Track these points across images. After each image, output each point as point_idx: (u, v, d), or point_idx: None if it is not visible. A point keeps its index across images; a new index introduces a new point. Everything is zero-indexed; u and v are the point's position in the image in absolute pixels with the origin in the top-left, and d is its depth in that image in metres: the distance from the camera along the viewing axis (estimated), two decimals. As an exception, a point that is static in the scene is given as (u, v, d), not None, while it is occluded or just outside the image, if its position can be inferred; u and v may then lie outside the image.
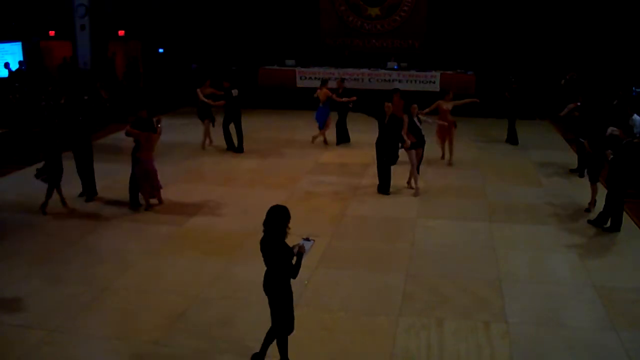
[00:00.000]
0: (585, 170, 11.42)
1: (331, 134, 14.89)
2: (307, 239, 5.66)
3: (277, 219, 5.40)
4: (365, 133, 12.62)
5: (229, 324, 6.70)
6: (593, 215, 9.79)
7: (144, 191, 10.20)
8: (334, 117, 14.78)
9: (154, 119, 10.26)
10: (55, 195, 10.03)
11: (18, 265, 8.10)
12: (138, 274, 7.96)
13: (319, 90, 14.56)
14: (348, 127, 14.95)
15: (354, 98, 14.60)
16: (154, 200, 10.33)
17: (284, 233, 5.42)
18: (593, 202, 10.34)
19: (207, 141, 14.43)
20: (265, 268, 5.58)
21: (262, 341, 5.85)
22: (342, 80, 15.46)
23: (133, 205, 10.31)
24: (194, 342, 6.35)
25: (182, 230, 9.44)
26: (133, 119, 10.31)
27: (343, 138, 14.95)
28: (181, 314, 6.88)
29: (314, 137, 14.79)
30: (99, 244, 8.89)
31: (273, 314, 5.63)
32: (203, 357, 6.12)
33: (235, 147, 14.07)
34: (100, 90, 17.21)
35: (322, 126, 14.59)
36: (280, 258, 5.42)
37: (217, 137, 14.40)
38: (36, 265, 8.13)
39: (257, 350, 5.94)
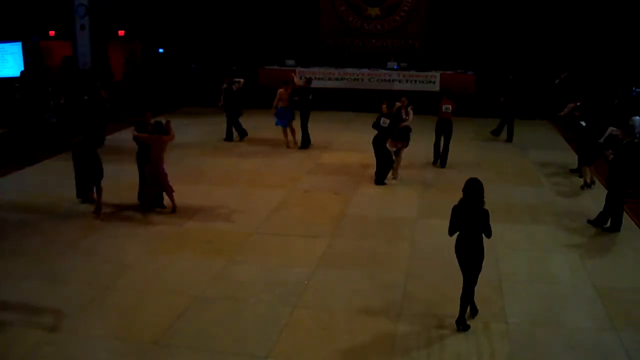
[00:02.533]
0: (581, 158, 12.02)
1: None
2: None
3: (479, 189, 6.33)
4: (363, 133, 12.63)
5: (229, 324, 6.70)
6: (592, 215, 9.78)
7: (148, 195, 10.02)
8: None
9: (164, 122, 10.09)
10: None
11: (18, 265, 8.10)
12: (138, 273, 7.96)
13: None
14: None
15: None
16: (168, 204, 10.18)
17: (483, 201, 6.35)
18: (591, 181, 11.43)
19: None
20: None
21: (460, 307, 6.54)
22: (308, 80, 14.92)
23: (142, 205, 10.24)
24: (194, 342, 6.35)
25: (182, 230, 9.44)
26: (137, 119, 10.22)
27: (305, 142, 14.56)
28: (181, 314, 6.88)
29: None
30: (99, 244, 8.89)
31: (470, 272, 6.45)
32: (203, 357, 6.12)
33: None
34: (100, 90, 17.20)
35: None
36: (482, 221, 6.32)
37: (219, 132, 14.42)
38: (36, 265, 8.13)
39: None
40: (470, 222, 6.37)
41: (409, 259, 8.39)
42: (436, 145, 13.01)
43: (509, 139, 15.39)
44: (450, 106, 12.69)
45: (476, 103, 18.63)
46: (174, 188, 10.21)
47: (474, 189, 6.35)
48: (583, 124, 11.51)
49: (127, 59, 21.00)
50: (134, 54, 21.48)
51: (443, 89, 14.54)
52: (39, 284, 7.60)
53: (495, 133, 15.85)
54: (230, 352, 6.19)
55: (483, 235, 6.41)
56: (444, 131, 12.82)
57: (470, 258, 6.43)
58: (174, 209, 10.09)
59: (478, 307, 7.04)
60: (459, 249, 6.51)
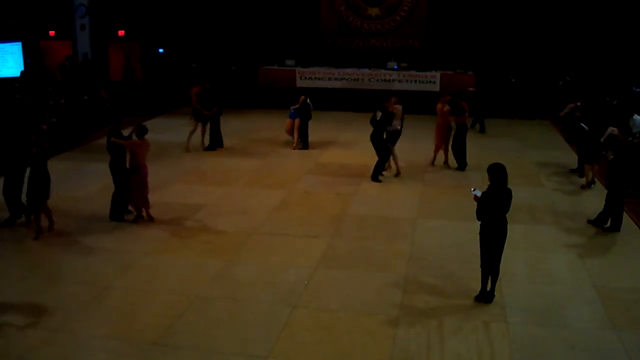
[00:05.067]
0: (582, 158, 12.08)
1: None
2: (474, 189, 7.11)
3: (504, 171, 6.80)
4: (364, 133, 12.62)
5: (229, 324, 6.70)
6: (592, 215, 9.78)
7: (137, 202, 9.65)
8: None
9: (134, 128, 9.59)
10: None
11: (18, 265, 8.10)
12: (138, 274, 7.96)
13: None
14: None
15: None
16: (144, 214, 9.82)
17: (507, 181, 6.85)
18: (591, 180, 11.49)
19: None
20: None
21: (490, 287, 7.11)
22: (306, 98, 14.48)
23: (115, 217, 9.72)
24: (194, 342, 6.35)
25: (182, 230, 9.44)
26: (112, 127, 9.67)
27: (304, 143, 14.50)
28: (181, 314, 6.88)
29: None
30: (99, 243, 8.88)
31: (497, 250, 6.95)
32: (203, 357, 6.12)
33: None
34: (100, 90, 17.21)
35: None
36: (508, 199, 6.85)
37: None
38: (36, 265, 8.13)
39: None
40: (497, 204, 6.83)
41: (409, 259, 8.39)
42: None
43: (482, 130, 16.20)
44: None
45: (476, 103, 18.63)
46: (172, 188, 10.14)
47: (499, 172, 6.81)
48: (585, 127, 11.48)
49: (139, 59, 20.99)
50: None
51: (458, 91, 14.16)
52: (39, 284, 7.60)
53: (471, 126, 16.18)
54: (230, 352, 6.19)
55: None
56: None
57: (497, 238, 6.90)
58: (139, 217, 9.72)
59: (477, 307, 7.06)
60: (487, 231, 6.93)
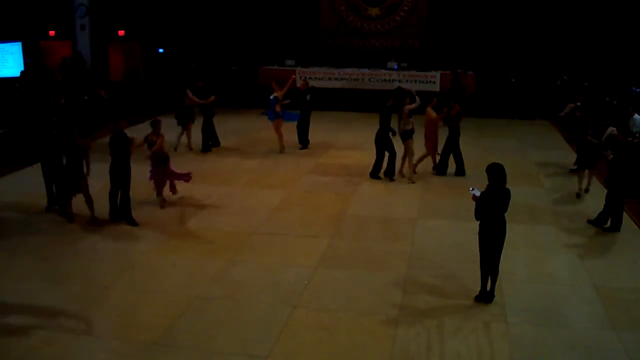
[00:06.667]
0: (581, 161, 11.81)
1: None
2: (473, 189, 7.11)
3: (502, 171, 6.82)
4: (364, 133, 12.62)
5: (229, 324, 6.70)
6: (592, 215, 9.78)
7: (160, 186, 10.46)
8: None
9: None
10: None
11: (18, 265, 8.10)
12: (138, 273, 7.96)
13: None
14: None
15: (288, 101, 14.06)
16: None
17: (505, 181, 6.88)
18: (584, 188, 11.16)
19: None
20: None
21: (490, 287, 7.11)
22: (306, 82, 14.80)
23: (114, 217, 9.78)
24: (194, 342, 6.35)
25: (182, 230, 9.44)
26: (112, 127, 9.79)
27: (304, 142, 14.48)
28: (181, 314, 6.88)
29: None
30: (99, 243, 8.89)
31: (496, 251, 6.96)
32: (203, 357, 6.13)
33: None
34: (100, 90, 17.21)
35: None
36: (507, 199, 6.87)
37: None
38: (36, 265, 8.13)
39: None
40: (496, 204, 6.84)
41: (409, 259, 8.39)
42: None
43: None
44: None
45: (476, 103, 18.65)
46: (172, 187, 10.58)
47: (498, 172, 6.83)
48: (594, 141, 11.23)
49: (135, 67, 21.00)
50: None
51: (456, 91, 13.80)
52: (39, 284, 7.59)
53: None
54: (230, 352, 6.19)
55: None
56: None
57: (496, 237, 6.92)
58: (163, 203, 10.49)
59: (477, 307, 7.07)
60: (485, 231, 6.95)
